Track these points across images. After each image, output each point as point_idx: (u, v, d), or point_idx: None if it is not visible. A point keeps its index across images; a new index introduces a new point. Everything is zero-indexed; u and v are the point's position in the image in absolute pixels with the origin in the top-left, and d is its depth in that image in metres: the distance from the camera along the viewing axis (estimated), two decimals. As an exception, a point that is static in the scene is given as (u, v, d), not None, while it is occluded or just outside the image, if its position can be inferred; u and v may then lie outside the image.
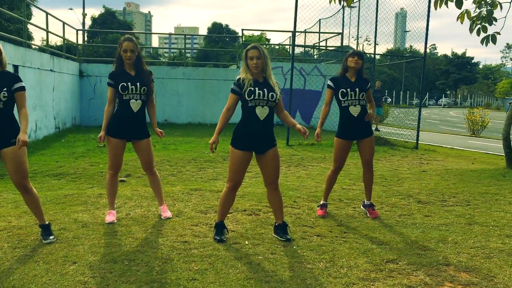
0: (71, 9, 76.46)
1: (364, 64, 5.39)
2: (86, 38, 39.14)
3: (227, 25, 67.94)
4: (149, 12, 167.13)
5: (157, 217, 5.12)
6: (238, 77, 4.32)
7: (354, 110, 5.25)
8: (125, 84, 4.84)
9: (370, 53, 13.38)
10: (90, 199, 5.81)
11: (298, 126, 4.32)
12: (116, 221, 4.92)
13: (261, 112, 4.24)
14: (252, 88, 4.22)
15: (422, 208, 5.77)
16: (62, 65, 12.85)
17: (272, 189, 4.48)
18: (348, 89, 5.24)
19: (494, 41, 5.76)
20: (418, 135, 12.32)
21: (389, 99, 42.14)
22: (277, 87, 4.31)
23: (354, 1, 14.81)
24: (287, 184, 6.95)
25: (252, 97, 4.21)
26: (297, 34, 19.99)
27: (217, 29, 65.69)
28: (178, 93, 15.55)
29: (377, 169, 8.50)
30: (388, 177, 7.73)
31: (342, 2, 7.41)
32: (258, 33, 55.02)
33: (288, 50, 24.62)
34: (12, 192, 6.12)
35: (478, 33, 5.88)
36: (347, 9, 18.47)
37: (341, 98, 5.29)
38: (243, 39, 19.57)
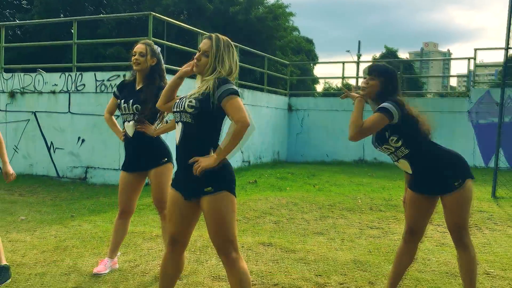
0: (348, 51, 79.87)
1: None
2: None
3: None
4: (448, 50, 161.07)
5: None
6: None
7: (405, 167, 3.29)
8: (119, 101, 4.04)
9: None
10: (138, 241, 5.03)
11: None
12: (106, 272, 3.97)
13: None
14: None
15: None
16: (258, 98, 12.72)
17: (224, 264, 2.79)
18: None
19: None
20: None
21: None
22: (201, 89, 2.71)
23: None
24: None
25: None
26: None
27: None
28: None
29: None
30: None
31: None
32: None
33: None
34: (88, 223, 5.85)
35: None
36: None
37: None
38: None
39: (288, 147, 14.57)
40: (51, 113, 9.05)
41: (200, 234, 5.15)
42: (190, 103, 2.65)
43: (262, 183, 9.07)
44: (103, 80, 8.59)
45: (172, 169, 3.98)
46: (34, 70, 9.86)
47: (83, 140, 8.82)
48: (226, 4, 29.06)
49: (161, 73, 3.99)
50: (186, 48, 10.57)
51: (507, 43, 8.12)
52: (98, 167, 8.70)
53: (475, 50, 13.41)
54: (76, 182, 8.84)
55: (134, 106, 3.90)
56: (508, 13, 8.01)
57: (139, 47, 3.94)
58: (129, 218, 4.21)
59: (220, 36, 2.80)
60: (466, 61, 13.83)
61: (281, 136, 14.21)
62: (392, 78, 3.10)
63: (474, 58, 13.51)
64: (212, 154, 2.65)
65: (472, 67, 13.87)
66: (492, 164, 11.87)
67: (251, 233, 5.44)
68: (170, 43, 10.79)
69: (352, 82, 25.63)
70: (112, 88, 8.50)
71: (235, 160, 11.45)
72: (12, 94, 9.40)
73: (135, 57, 3.91)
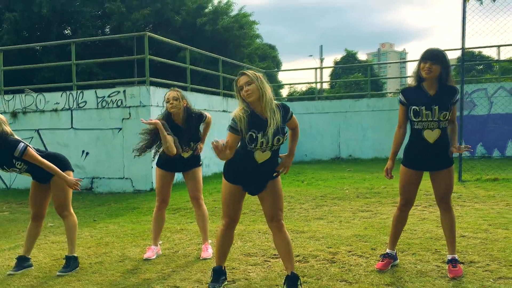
0: (311, 56, 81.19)
1: (448, 69, 4.00)
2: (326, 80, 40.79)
3: (480, 53, 60.77)
4: (404, 49, 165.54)
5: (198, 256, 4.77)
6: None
7: (430, 136, 3.97)
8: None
9: None
10: (167, 234, 5.80)
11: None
12: (154, 257, 4.75)
13: (260, 156, 3.56)
14: (254, 135, 3.48)
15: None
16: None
17: (275, 229, 3.68)
18: (423, 107, 3.94)
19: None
20: None
21: None
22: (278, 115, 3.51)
23: None
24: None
25: (253, 145, 3.51)
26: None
27: (468, 58, 59.52)
28: (363, 126, 14.66)
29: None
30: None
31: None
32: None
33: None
34: (117, 225, 6.56)
35: None
36: None
37: (413, 119, 3.99)
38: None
39: (282, 151, 15.47)
40: (54, 129, 9.67)
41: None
42: (287, 136, 3.55)
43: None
44: (104, 97, 9.29)
45: None
46: (22, 91, 10.46)
47: (87, 153, 9.48)
48: (193, 15, 29.78)
49: (192, 110, 4.84)
50: (178, 63, 11.36)
51: (463, 44, 9.28)
52: (104, 177, 9.39)
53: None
54: (83, 192, 9.48)
55: (190, 144, 4.81)
56: (462, 16, 9.14)
57: (171, 94, 4.74)
58: (165, 208, 5.04)
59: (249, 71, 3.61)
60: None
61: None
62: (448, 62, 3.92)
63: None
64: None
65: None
66: (455, 154, 13.14)
67: (262, 222, 6.29)
68: (164, 59, 11.52)
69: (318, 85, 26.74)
70: (113, 103, 9.22)
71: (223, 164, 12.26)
72: (14, 114, 9.97)
73: (171, 102, 4.69)
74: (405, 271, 4.06)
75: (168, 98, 4.75)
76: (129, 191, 9.24)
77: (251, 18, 32.99)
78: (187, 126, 4.77)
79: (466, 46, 9.46)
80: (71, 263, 4.46)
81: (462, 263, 4.17)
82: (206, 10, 31.17)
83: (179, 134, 4.71)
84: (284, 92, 45.94)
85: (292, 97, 40.10)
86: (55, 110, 9.65)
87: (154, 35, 10.27)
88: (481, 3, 3.84)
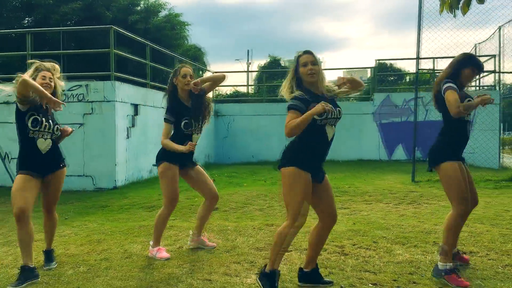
0: (238, 60, 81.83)
1: None
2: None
3: (391, 65, 64.36)
4: (321, 58, 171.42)
5: (205, 251, 4.70)
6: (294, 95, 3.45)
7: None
8: (187, 121, 4.52)
9: None
10: (158, 231, 5.64)
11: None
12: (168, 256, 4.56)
13: (330, 131, 3.52)
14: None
15: (546, 258, 4.34)
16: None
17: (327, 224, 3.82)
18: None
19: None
20: None
21: None
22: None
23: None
24: (380, 222, 5.95)
25: (324, 115, 3.40)
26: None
27: (382, 68, 63.22)
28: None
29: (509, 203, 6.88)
30: (521, 218, 6.16)
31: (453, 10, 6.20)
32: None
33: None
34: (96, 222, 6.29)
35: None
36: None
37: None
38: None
39: (216, 151, 15.48)
40: (5, 123, 9.02)
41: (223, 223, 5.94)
42: (340, 113, 3.49)
43: (218, 181, 9.91)
44: (64, 91, 8.77)
45: None
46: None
47: (42, 149, 8.91)
48: (124, 12, 28.92)
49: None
50: (139, 59, 11.06)
51: (418, 53, 9.91)
52: (61, 175, 8.88)
53: (376, 60, 15.52)
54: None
55: (200, 126, 4.62)
56: (418, 26, 9.75)
57: (188, 71, 4.50)
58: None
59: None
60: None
61: (210, 140, 15.08)
62: None
63: (375, 67, 15.66)
64: None
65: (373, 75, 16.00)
66: (394, 157, 13.99)
67: (248, 219, 6.32)
68: (129, 55, 11.12)
69: (243, 89, 27.16)
70: (73, 97, 8.79)
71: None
72: (-44, 106, 9.16)
73: (187, 79, 4.46)
74: (419, 261, 4.30)
75: (185, 74, 4.48)
76: (89, 189, 8.83)
77: (181, 18, 32.75)
78: (194, 101, 4.52)
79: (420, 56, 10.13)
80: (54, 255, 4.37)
81: (465, 253, 4.49)
82: (138, 8, 30.42)
83: (185, 112, 4.48)
84: (210, 93, 46.02)
85: (217, 99, 40.42)
86: (7, 103, 8.99)
87: (121, 30, 9.92)
88: (454, 15, 4.12)
